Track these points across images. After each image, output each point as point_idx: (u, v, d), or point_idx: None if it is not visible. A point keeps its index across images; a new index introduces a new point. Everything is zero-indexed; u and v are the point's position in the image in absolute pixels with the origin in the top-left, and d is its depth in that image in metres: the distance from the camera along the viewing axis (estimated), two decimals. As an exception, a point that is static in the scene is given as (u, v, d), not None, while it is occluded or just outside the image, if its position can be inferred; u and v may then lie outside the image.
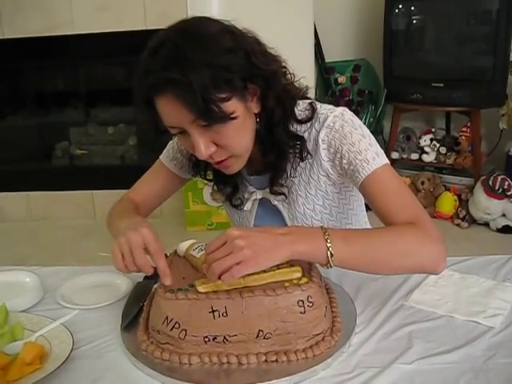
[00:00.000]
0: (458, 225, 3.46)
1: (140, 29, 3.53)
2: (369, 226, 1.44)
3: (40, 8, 3.54)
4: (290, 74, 1.19)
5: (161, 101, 1.05)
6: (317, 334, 0.98)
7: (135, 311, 1.14)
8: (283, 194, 1.29)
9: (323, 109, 1.23)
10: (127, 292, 1.24)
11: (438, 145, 3.64)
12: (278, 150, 1.21)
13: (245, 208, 1.37)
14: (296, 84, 1.22)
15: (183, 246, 1.13)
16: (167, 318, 0.97)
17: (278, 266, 1.02)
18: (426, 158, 3.65)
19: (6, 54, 3.69)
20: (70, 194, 3.89)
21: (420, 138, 3.74)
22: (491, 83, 3.27)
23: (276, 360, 0.95)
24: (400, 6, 3.47)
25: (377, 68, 3.73)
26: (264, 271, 1.00)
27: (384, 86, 3.61)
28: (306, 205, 1.30)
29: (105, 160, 4.07)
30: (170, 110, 1.05)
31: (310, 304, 0.96)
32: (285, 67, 1.17)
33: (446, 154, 3.63)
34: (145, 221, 1.17)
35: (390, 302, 1.17)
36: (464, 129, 3.61)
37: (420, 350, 1.00)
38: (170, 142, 1.42)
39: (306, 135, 1.23)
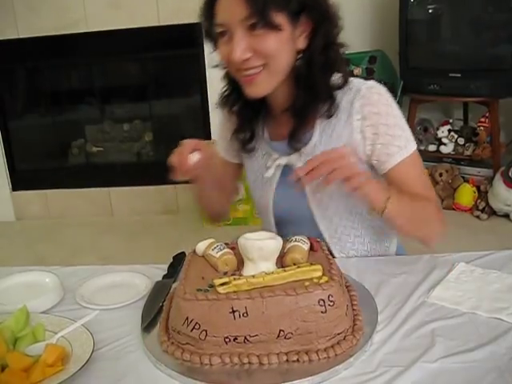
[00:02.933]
0: (477, 217, 3.42)
1: (153, 25, 3.54)
2: None
3: (53, 7, 3.56)
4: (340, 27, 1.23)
5: None
6: (338, 333, 0.97)
7: (155, 311, 1.13)
8: (297, 149, 1.29)
9: (354, 80, 1.28)
10: (146, 291, 1.24)
11: (455, 136, 3.60)
12: (311, 93, 1.23)
13: (266, 174, 1.36)
14: None
15: (202, 246, 1.12)
16: (187, 318, 0.96)
17: (298, 265, 1.01)
18: (443, 149, 3.61)
19: (21, 53, 3.73)
20: (87, 192, 3.91)
21: (437, 129, 3.70)
22: (510, 72, 3.22)
23: (297, 360, 0.94)
24: (415, -4, 3.43)
25: (393, 59, 3.69)
26: (284, 270, 1.00)
27: (400, 78, 3.56)
28: None
29: (121, 157, 4.09)
30: (229, 5, 1.13)
31: (331, 303, 0.95)
32: (340, 19, 1.21)
33: (464, 145, 3.59)
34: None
35: (412, 298, 1.16)
36: (482, 119, 3.56)
37: (443, 348, 0.99)
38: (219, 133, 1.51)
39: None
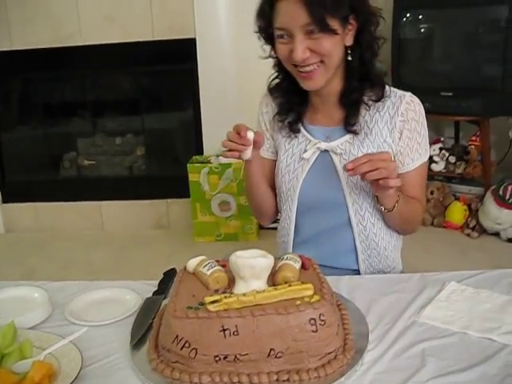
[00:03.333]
0: (468, 235, 3.43)
1: (147, 39, 3.55)
2: None
3: (48, 19, 3.56)
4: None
5: (286, 2, 1.28)
6: (329, 353, 0.97)
7: (145, 328, 1.13)
8: (355, 131, 1.43)
9: (389, 88, 1.46)
10: (136, 308, 1.23)
11: (447, 154, 3.61)
12: (365, 82, 1.42)
13: (304, 155, 1.47)
14: None
15: (193, 263, 1.12)
16: (177, 336, 0.95)
17: (290, 284, 1.01)
18: (435, 167, 3.63)
19: (14, 65, 3.72)
20: (78, 205, 3.89)
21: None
22: (500, 92, 3.24)
23: (288, 379, 0.94)
24: (408, 15, 3.45)
25: (385, 77, 3.71)
26: (275, 289, 0.99)
27: (392, 96, 3.58)
28: None
29: (113, 170, 4.08)
30: (291, 12, 1.28)
31: (322, 322, 0.95)
32: (379, 17, 1.39)
33: (455, 163, 3.60)
34: None
35: (402, 318, 1.16)
36: (473, 138, 3.58)
37: (434, 368, 0.99)
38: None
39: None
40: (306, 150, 1.47)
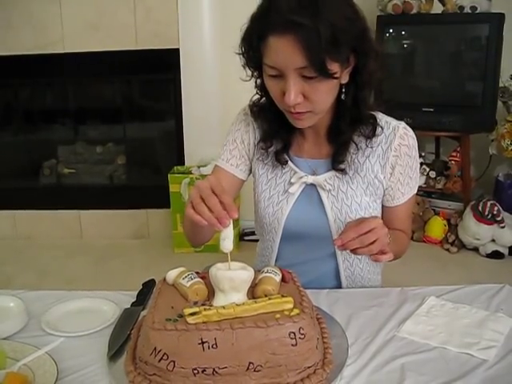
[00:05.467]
0: (447, 250, 3.45)
1: (130, 48, 3.54)
2: None
3: (31, 26, 3.54)
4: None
5: (278, 40, 1.12)
6: (308, 367, 0.96)
7: (122, 340, 1.11)
8: (344, 169, 1.36)
9: (382, 116, 1.38)
10: (114, 319, 1.21)
11: (427, 169, 3.65)
12: (356, 121, 1.32)
13: (291, 190, 1.39)
14: None
15: (172, 274, 1.11)
16: (155, 349, 0.94)
17: (269, 297, 1.00)
18: (415, 182, 3.65)
19: (-4, 71, 3.69)
20: (57, 213, 3.85)
21: (409, 162, 3.73)
22: (481, 109, 3.29)
23: (266, 393, 0.92)
24: (391, 31, 3.49)
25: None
26: (255, 302, 0.98)
27: (374, 110, 3.61)
28: (354, 198, 1.37)
29: (93, 179, 4.05)
30: (285, 52, 1.12)
31: (302, 336, 0.94)
32: (378, 56, 1.26)
33: (435, 178, 3.64)
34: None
35: (382, 332, 1.16)
36: (453, 153, 3.61)
37: (413, 383, 0.98)
38: (226, 142, 1.47)
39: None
40: (291, 183, 1.39)
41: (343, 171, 1.36)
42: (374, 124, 1.34)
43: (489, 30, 3.19)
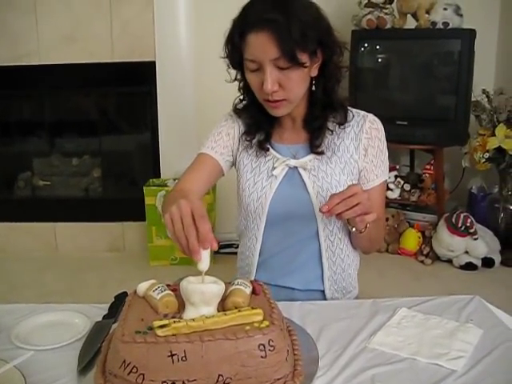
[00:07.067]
0: (421, 261, 3.48)
1: (107, 61, 3.53)
2: None
3: (6, 37, 3.53)
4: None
5: (256, 36, 1.30)
6: (278, 379, 0.96)
7: (93, 353, 1.10)
8: (322, 152, 1.48)
9: (352, 108, 1.53)
10: (85, 332, 1.20)
11: (402, 182, 3.68)
12: (328, 109, 1.48)
13: (274, 172, 1.49)
14: None
15: (143, 286, 1.10)
16: (125, 361, 0.93)
17: (239, 309, 1.00)
18: (390, 194, 3.68)
19: (-30, 82, 3.65)
20: (31, 226, 3.81)
21: (384, 174, 3.76)
22: (454, 122, 3.34)
23: (236, 405, 0.92)
24: (365, 45, 3.53)
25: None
26: (225, 314, 0.98)
27: (349, 123, 3.64)
28: (333, 176, 1.48)
29: (68, 192, 4.02)
30: (262, 45, 1.30)
31: (272, 348, 0.94)
32: (342, 51, 1.44)
33: (410, 190, 3.67)
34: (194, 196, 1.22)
35: (353, 343, 1.16)
36: (428, 166, 3.66)
37: (383, 394, 0.99)
38: (210, 135, 1.57)
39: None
40: (274, 168, 1.50)
41: (321, 153, 1.48)
42: (345, 111, 1.50)
43: (461, 46, 3.25)
